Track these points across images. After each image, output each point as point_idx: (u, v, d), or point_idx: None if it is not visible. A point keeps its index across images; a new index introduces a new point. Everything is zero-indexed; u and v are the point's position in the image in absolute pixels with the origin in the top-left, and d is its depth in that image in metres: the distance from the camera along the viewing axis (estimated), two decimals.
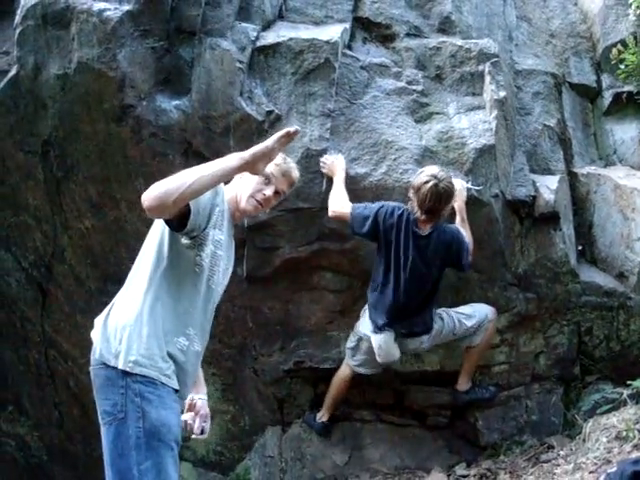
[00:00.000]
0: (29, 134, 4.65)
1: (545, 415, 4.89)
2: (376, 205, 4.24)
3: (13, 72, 4.57)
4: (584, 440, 4.32)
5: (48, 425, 5.65)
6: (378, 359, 4.41)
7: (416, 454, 4.88)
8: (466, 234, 4.29)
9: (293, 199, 4.39)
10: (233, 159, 2.59)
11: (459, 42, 4.86)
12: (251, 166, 2.63)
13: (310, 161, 4.40)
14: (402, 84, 4.69)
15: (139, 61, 4.36)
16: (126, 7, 4.33)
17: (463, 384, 4.69)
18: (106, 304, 4.98)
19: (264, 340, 4.87)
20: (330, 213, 4.31)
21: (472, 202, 4.40)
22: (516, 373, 4.88)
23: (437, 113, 4.65)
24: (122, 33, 4.32)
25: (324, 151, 4.42)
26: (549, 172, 4.94)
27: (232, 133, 4.43)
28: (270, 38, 4.57)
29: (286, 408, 5.05)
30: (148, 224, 4.59)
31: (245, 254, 4.62)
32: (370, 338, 4.39)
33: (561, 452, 4.51)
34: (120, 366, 2.56)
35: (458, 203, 4.31)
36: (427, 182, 4.04)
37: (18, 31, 4.51)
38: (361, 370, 4.62)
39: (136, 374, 2.56)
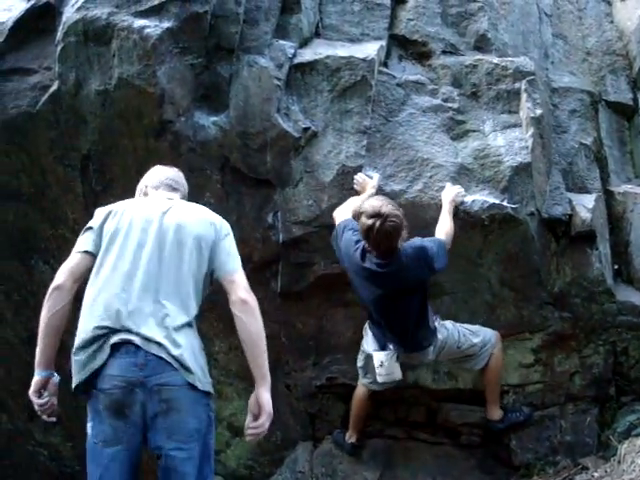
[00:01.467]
0: (69, 149, 4.72)
1: (579, 436, 4.82)
2: (346, 241, 4.09)
3: (54, 88, 4.64)
4: (619, 462, 4.25)
5: (81, 435, 5.66)
6: (378, 379, 4.35)
7: (448, 473, 4.83)
8: (445, 226, 4.16)
9: (329, 215, 4.42)
10: None
11: (495, 60, 4.86)
12: None
13: (346, 178, 4.44)
14: (438, 101, 4.71)
15: (178, 78, 4.43)
16: (166, 24, 4.40)
17: (495, 413, 4.64)
18: None
19: (297, 355, 4.88)
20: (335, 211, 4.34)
21: (508, 220, 4.38)
22: (550, 393, 4.82)
23: (473, 131, 4.65)
24: (162, 50, 4.39)
25: (360, 168, 4.44)
26: (585, 190, 4.90)
27: (269, 149, 4.48)
28: (307, 55, 4.63)
29: (318, 424, 5.05)
30: None
31: (279, 270, 4.65)
32: (372, 357, 4.36)
33: (595, 474, 4.44)
34: (206, 388, 2.94)
35: (445, 200, 4.27)
36: (372, 224, 3.80)
37: (60, 47, 4.60)
38: (374, 387, 4.60)
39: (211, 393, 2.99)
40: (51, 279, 5.08)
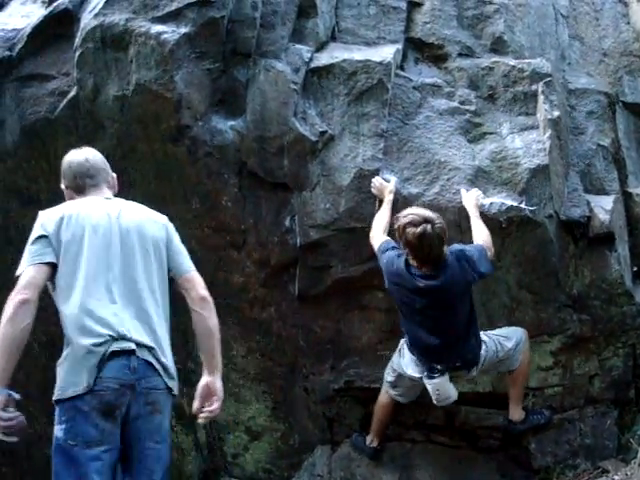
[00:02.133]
0: None
1: (599, 439, 4.79)
2: (388, 259, 4.07)
3: (73, 93, 4.69)
4: (639, 465, 4.23)
5: None
6: (436, 403, 4.31)
7: (467, 476, 4.82)
8: (481, 233, 4.14)
9: (346, 218, 4.43)
10: None
11: (512, 62, 4.85)
12: None
13: (363, 181, 4.44)
14: (455, 104, 4.71)
15: (195, 82, 4.45)
16: (183, 30, 4.43)
17: (516, 414, 4.61)
18: None
19: (315, 359, 4.88)
20: (370, 237, 4.28)
21: (526, 223, 4.37)
22: (570, 396, 4.80)
23: (490, 133, 4.65)
24: (179, 55, 4.42)
25: (377, 171, 4.44)
26: (603, 192, 4.87)
27: (286, 153, 4.49)
28: (323, 59, 4.64)
29: (336, 427, 5.05)
30: (201, 242, 4.70)
31: (297, 273, 4.66)
32: (419, 381, 4.30)
33: (615, 477, 4.42)
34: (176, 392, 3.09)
35: (470, 207, 4.26)
36: (423, 231, 3.78)
37: (78, 53, 4.65)
38: (402, 400, 4.61)
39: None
40: None
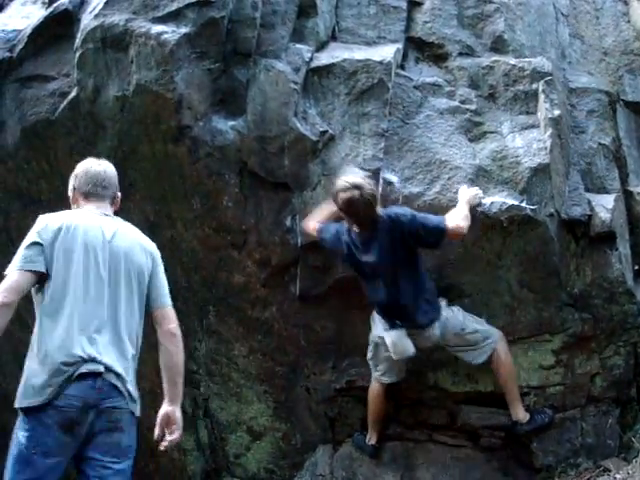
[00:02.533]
0: (88, 154, 4.68)
1: (601, 438, 4.78)
2: (330, 235, 4.32)
3: (73, 94, 4.70)
4: None
5: None
6: (393, 356, 4.39)
7: (469, 475, 4.81)
8: (453, 213, 4.18)
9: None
10: None
11: (512, 61, 4.85)
12: None
13: None
14: (455, 103, 4.70)
15: (196, 83, 4.45)
16: (183, 30, 4.43)
17: (520, 414, 4.59)
18: None
19: (316, 358, 4.89)
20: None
21: (527, 222, 4.36)
22: (571, 395, 4.78)
23: (491, 132, 4.64)
24: (179, 55, 4.42)
25: (377, 171, 4.44)
26: (604, 191, 4.86)
27: (286, 153, 4.50)
28: (324, 59, 4.65)
29: (337, 427, 5.05)
30: (202, 242, 4.71)
31: (298, 273, 4.66)
32: (384, 338, 4.39)
33: (617, 476, 4.41)
34: (138, 414, 3.22)
35: (460, 200, 4.29)
36: (351, 197, 4.01)
37: (78, 54, 4.65)
38: (386, 379, 4.62)
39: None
40: None
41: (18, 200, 5.10)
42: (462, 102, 4.72)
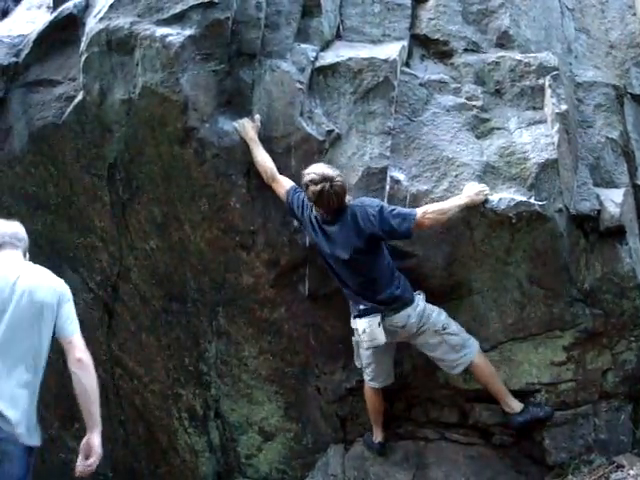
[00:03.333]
0: (95, 158, 4.77)
1: (614, 433, 4.77)
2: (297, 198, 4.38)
3: (79, 98, 4.70)
4: None
5: (113, 442, 5.73)
6: (364, 345, 4.40)
7: (481, 473, 4.80)
8: (436, 204, 4.25)
9: None
10: None
11: (518, 56, 4.83)
12: None
13: (371, 179, 4.45)
14: (462, 100, 4.69)
15: (201, 84, 4.45)
16: (188, 32, 4.43)
17: (510, 405, 4.59)
18: (170, 323, 5.11)
19: (327, 358, 4.88)
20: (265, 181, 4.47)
21: (535, 218, 4.34)
22: (583, 391, 4.76)
23: (498, 128, 4.62)
24: (184, 57, 4.42)
25: (384, 169, 4.44)
26: (613, 185, 4.84)
27: (293, 153, 4.50)
28: (329, 58, 4.64)
29: (349, 426, 5.05)
30: (211, 244, 4.71)
31: (307, 273, 4.66)
32: (355, 325, 4.42)
33: (631, 471, 4.40)
34: (31, 443, 3.30)
35: (461, 196, 4.30)
36: (322, 188, 4.11)
37: (83, 58, 4.66)
38: (374, 384, 4.64)
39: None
40: (81, 288, 5.18)
41: (26, 204, 5.11)
42: (468, 99, 4.71)
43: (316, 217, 4.32)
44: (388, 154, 4.47)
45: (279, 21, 4.66)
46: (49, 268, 5.15)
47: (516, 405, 4.59)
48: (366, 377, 4.67)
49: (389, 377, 4.65)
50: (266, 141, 4.48)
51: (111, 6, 4.61)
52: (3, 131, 5.00)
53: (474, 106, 4.68)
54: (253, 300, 4.82)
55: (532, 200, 4.34)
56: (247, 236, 4.67)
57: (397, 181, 4.46)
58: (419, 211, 4.18)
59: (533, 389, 4.69)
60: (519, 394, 4.65)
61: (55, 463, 6.05)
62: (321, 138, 4.48)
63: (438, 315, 4.46)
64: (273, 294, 4.78)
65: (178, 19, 4.47)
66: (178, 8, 4.48)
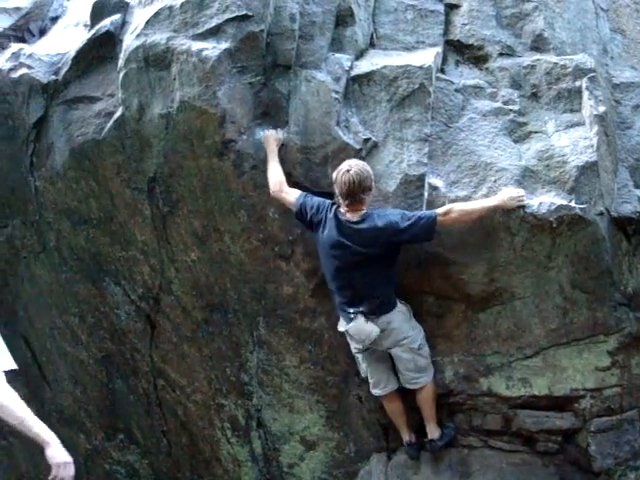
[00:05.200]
0: (135, 172, 4.84)
1: None
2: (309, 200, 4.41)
3: (118, 114, 4.79)
4: None
5: (157, 452, 5.80)
6: (361, 345, 4.49)
7: None
8: (459, 205, 4.26)
9: None
10: None
11: (554, 59, 4.79)
12: None
13: (409, 187, 4.44)
14: (498, 104, 4.66)
15: (238, 97, 4.50)
16: (224, 45, 4.49)
17: (435, 432, 4.75)
18: (212, 334, 5.16)
19: None
20: (271, 193, 4.48)
21: (576, 221, 4.29)
22: (629, 396, 4.68)
23: (536, 132, 4.59)
24: (221, 71, 4.47)
25: (422, 176, 4.43)
26: None
27: (330, 162, 4.50)
28: (364, 67, 4.65)
29: (391, 434, 5.01)
30: (251, 255, 4.75)
31: None
32: (347, 332, 4.47)
33: None
34: None
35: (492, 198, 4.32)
36: (339, 172, 4.20)
37: (122, 74, 4.74)
38: (377, 391, 4.69)
39: None
40: (123, 300, 5.26)
41: (68, 219, 5.20)
42: (505, 103, 4.69)
43: (336, 215, 4.31)
44: (426, 161, 4.46)
45: (313, 32, 4.69)
46: (92, 282, 5.31)
47: (438, 433, 4.75)
48: (371, 387, 4.73)
49: (390, 383, 4.69)
50: (303, 151, 4.51)
51: (147, 22, 4.69)
52: (45, 148, 5.12)
53: (511, 110, 4.66)
54: (293, 310, 4.84)
55: (572, 204, 4.29)
56: (286, 246, 4.70)
57: (435, 188, 4.44)
58: (441, 210, 4.22)
59: (577, 395, 4.63)
60: (564, 400, 4.61)
61: (99, 475, 6.14)
62: (358, 147, 4.48)
63: (418, 334, 4.56)
64: (313, 303, 4.80)
65: (213, 33, 4.53)
66: (213, 22, 4.54)
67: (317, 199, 4.40)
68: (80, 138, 4.92)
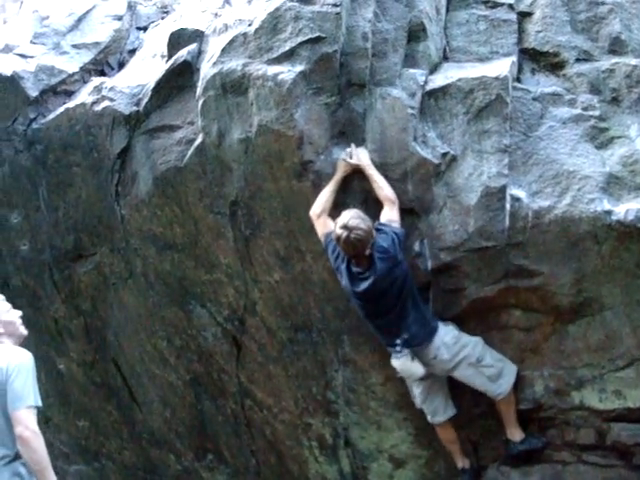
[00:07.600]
0: (217, 197, 4.95)
1: None
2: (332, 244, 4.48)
3: (199, 140, 4.92)
4: None
5: (246, 472, 5.86)
6: (407, 381, 4.65)
7: None
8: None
9: (476, 238, 4.38)
10: None
11: (633, 61, 4.66)
12: None
13: (491, 199, 4.38)
14: (578, 111, 4.57)
15: (315, 118, 4.56)
16: (298, 68, 4.55)
17: (516, 434, 4.68)
18: (297, 353, 5.20)
19: (454, 382, 4.81)
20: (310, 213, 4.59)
21: None
22: None
23: (618, 137, 4.48)
24: (297, 93, 4.54)
25: (503, 188, 4.37)
26: None
27: (409, 178, 4.50)
28: (439, 81, 4.63)
29: (481, 451, 4.95)
30: (332, 273, 4.78)
31: (430, 297, 4.64)
32: (395, 366, 4.53)
33: None
34: None
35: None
36: (340, 235, 4.26)
37: (201, 102, 4.87)
38: (437, 419, 4.71)
39: None
40: (209, 322, 5.36)
41: (154, 245, 5.35)
42: (584, 109, 4.59)
43: (348, 267, 4.42)
44: (506, 172, 4.40)
45: (386, 49, 4.70)
46: (178, 306, 5.44)
47: (519, 435, 4.68)
48: (428, 416, 4.70)
49: (448, 409, 4.70)
50: (381, 168, 4.51)
51: (223, 50, 4.80)
52: (129, 177, 5.29)
53: (591, 116, 4.55)
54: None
55: None
56: None
57: (517, 199, 4.37)
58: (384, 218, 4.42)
59: None
60: None
61: None
62: (436, 161, 4.47)
63: (473, 347, 4.50)
64: None
65: (288, 57, 4.60)
66: (287, 46, 4.61)
67: (335, 248, 4.47)
68: (163, 166, 5.07)
